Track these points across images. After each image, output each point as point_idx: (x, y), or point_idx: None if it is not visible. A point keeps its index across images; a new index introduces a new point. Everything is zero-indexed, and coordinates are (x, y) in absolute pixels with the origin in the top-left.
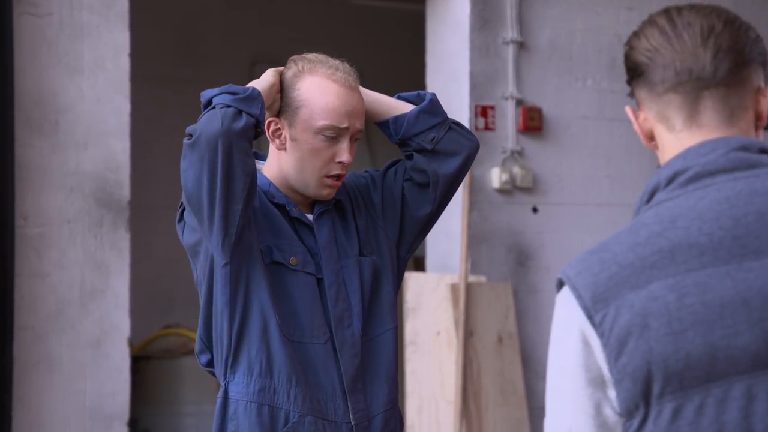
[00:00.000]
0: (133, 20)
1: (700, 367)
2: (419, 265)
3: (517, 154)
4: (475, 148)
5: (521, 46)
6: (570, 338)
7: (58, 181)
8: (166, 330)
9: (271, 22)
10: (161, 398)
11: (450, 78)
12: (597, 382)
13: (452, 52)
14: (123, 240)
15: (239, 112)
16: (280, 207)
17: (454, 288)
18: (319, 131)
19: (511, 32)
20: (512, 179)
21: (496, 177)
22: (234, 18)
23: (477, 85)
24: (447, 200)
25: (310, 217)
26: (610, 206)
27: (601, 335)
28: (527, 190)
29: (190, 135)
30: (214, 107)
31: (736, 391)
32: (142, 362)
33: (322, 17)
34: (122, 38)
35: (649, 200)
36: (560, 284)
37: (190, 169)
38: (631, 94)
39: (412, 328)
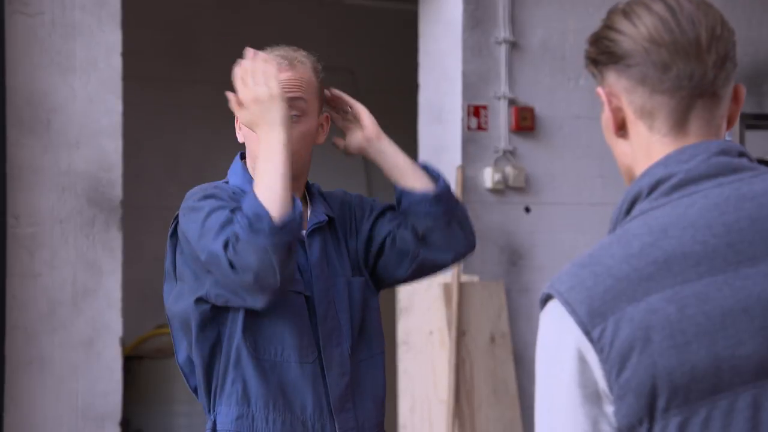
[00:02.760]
0: (125, 20)
1: (705, 379)
2: None
3: (510, 154)
4: (469, 251)
5: (514, 45)
6: (564, 355)
7: (50, 180)
8: (158, 329)
9: (264, 22)
10: (153, 398)
11: (442, 77)
12: (593, 399)
13: (445, 52)
14: (115, 240)
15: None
16: None
17: (446, 287)
18: None
19: (503, 32)
20: (505, 179)
21: (488, 177)
22: (226, 18)
23: (469, 84)
24: (422, 277)
25: (303, 232)
26: (603, 206)
27: (599, 351)
28: (520, 189)
29: (227, 241)
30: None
31: (742, 402)
32: (134, 362)
33: (314, 17)
34: (114, 38)
35: (629, 210)
36: (547, 299)
37: (235, 272)
38: (597, 74)
39: (405, 327)
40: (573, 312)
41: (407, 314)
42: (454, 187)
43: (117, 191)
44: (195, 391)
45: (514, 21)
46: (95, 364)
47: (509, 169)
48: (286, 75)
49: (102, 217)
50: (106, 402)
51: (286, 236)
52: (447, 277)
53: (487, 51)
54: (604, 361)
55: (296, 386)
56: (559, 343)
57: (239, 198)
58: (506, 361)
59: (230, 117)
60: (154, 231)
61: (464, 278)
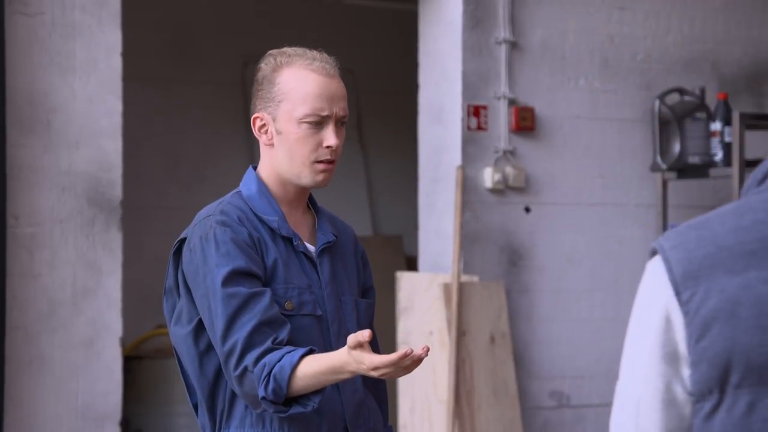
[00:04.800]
0: (125, 20)
1: None
2: (412, 265)
3: (510, 154)
4: None
5: (514, 45)
6: (653, 310)
7: (50, 180)
8: (158, 330)
9: (263, 22)
10: (153, 398)
11: (442, 77)
12: (672, 359)
13: (445, 52)
14: (115, 240)
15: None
16: (287, 240)
17: (446, 288)
18: (302, 120)
19: (503, 32)
20: (505, 179)
21: (488, 177)
22: (226, 18)
23: (469, 84)
24: None
25: (312, 248)
26: (603, 206)
27: (686, 313)
28: (520, 189)
29: (245, 369)
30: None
31: None
32: (134, 362)
33: (314, 17)
34: (114, 38)
35: (762, 180)
36: (653, 253)
37: (234, 384)
38: None
39: (405, 327)
40: (669, 270)
41: (407, 314)
42: (454, 187)
43: (117, 191)
44: (195, 407)
45: (514, 21)
46: (95, 364)
47: (509, 169)
48: (336, 82)
49: (102, 217)
50: (106, 402)
51: (284, 414)
52: (447, 277)
53: (487, 51)
54: (687, 324)
55: None
56: (651, 298)
57: (246, 219)
58: (506, 362)
59: (230, 117)
60: (154, 231)
61: (464, 278)
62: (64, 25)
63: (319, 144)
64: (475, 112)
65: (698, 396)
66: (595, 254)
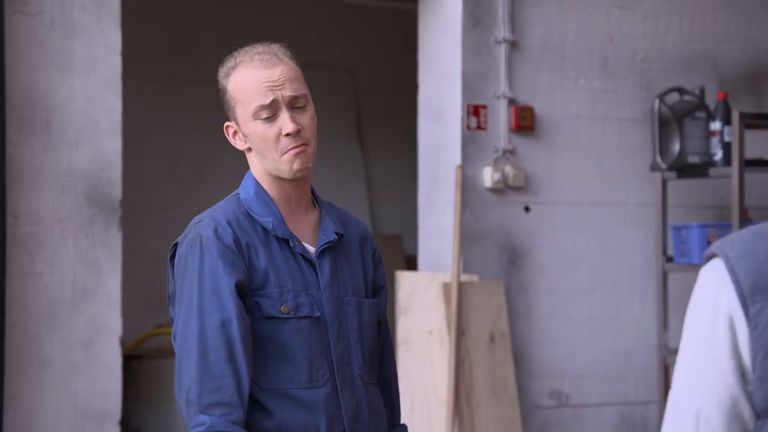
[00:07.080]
0: (125, 19)
1: None
2: (412, 264)
3: (509, 154)
4: None
5: (513, 45)
6: (716, 320)
7: (49, 180)
8: (157, 329)
9: (264, 22)
10: (153, 397)
11: (442, 77)
12: (738, 372)
13: (444, 51)
14: (115, 239)
15: None
16: (283, 241)
17: (446, 287)
18: (255, 116)
19: (503, 31)
20: (504, 178)
21: (488, 176)
22: (226, 17)
23: (469, 84)
24: None
25: (311, 249)
26: (603, 205)
27: (753, 327)
28: (519, 189)
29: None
30: None
31: None
32: (133, 361)
33: (314, 15)
34: (114, 37)
35: None
36: (711, 257)
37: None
38: None
39: (405, 327)
40: (736, 281)
41: (407, 314)
42: (454, 186)
43: (116, 191)
44: None
45: (513, 20)
46: (95, 364)
47: (509, 169)
48: (279, 68)
49: (102, 216)
50: (106, 401)
51: None
52: (446, 276)
53: (487, 50)
54: (754, 339)
55: (309, 410)
56: (713, 307)
57: (237, 223)
58: (506, 361)
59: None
60: (154, 230)
61: (464, 278)
62: (63, 24)
63: (279, 134)
64: (474, 112)
65: (762, 413)
66: (595, 254)
